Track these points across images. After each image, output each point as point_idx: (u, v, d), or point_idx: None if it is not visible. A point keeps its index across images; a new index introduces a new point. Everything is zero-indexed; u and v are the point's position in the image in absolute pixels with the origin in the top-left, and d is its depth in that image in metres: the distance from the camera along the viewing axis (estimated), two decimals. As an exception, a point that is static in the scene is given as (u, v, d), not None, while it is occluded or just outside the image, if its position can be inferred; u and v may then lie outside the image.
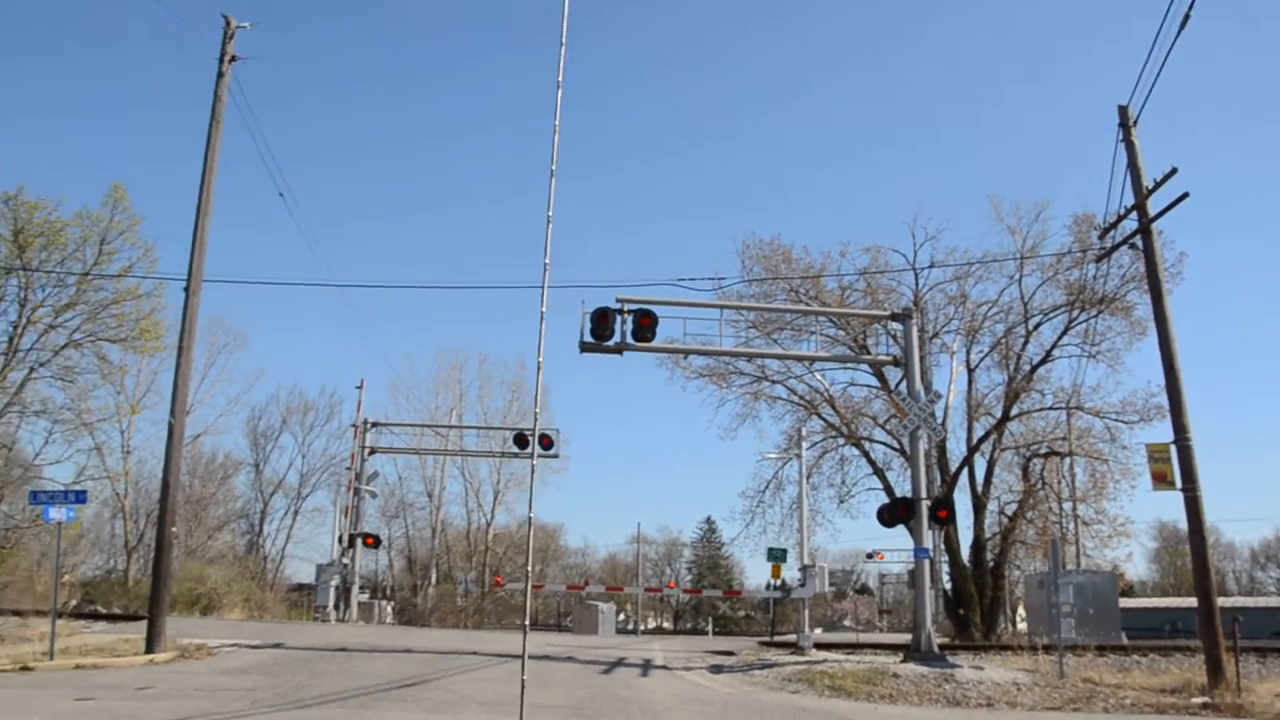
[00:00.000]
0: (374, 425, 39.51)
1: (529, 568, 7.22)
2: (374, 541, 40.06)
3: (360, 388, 38.81)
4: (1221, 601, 18.08)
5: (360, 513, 37.73)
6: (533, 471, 7.65)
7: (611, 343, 21.08)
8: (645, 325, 21.09)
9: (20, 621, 22.95)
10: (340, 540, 36.95)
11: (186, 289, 20.25)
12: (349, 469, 38.79)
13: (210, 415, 56.91)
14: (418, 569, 58.28)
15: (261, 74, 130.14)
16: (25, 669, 15.90)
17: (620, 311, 21.02)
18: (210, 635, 22.45)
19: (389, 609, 45.30)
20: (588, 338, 20.98)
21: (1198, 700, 15.82)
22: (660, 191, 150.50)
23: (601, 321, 20.87)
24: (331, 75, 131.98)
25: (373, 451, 39.17)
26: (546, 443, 37.94)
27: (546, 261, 6.07)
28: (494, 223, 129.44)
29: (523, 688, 5.68)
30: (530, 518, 6.40)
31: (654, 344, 21.89)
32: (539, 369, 6.19)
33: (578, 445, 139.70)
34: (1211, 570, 17.57)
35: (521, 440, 38.26)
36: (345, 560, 36.36)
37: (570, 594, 56.37)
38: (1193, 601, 18.07)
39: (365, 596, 43.13)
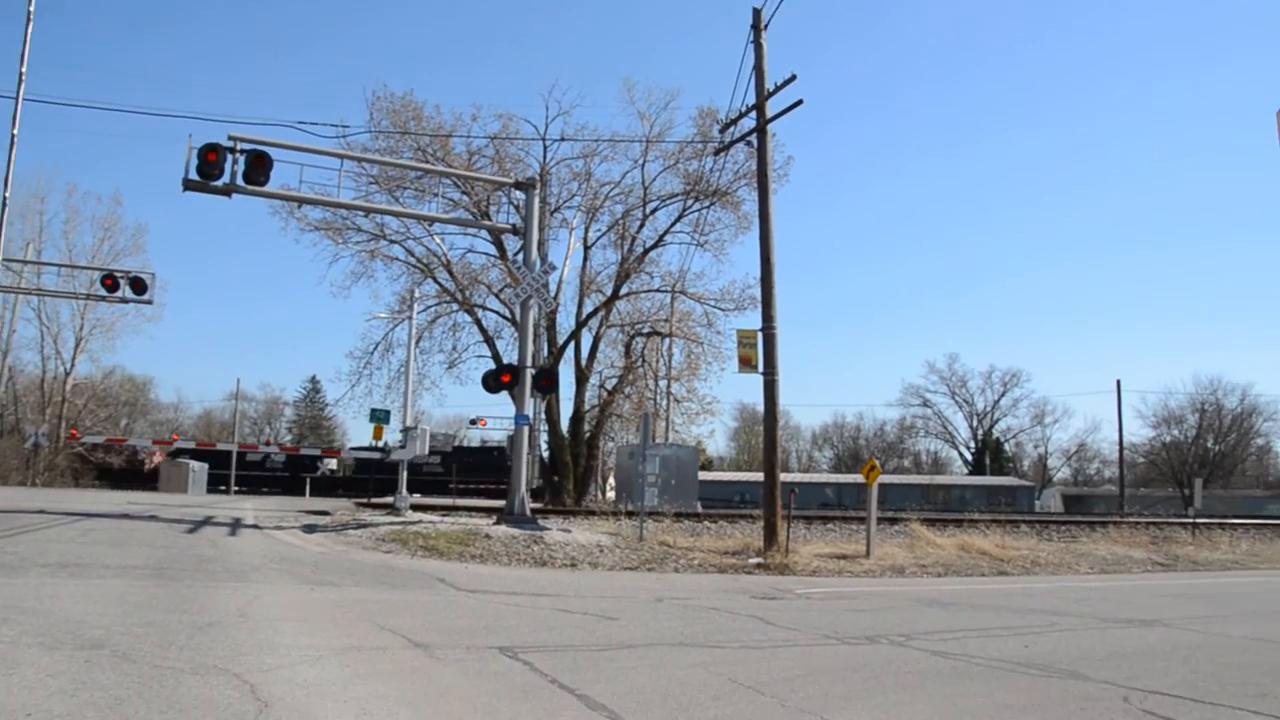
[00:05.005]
0: (-75, 252, 34.34)
1: None
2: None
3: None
4: (783, 477, 20.04)
5: (-95, 352, 33.05)
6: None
7: (220, 183, 19.26)
8: (259, 168, 19.41)
9: None
10: (-124, 382, 32.15)
11: None
12: (-109, 302, 33.70)
13: None
14: (-21, 421, 52.04)
15: None
16: None
17: (233, 150, 19.22)
18: None
19: (-61, 465, 40.37)
20: (193, 175, 19.04)
21: (754, 560, 17.67)
22: (290, 27, 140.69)
23: (210, 159, 18.96)
24: None
25: (-77, 283, 34.18)
26: (140, 286, 34.85)
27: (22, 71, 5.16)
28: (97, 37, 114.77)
29: None
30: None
31: (267, 189, 20.30)
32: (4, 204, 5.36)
33: (176, 292, 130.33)
34: (779, 448, 19.43)
35: (110, 283, 34.83)
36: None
37: (158, 449, 53.13)
38: (761, 476, 19.93)
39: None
